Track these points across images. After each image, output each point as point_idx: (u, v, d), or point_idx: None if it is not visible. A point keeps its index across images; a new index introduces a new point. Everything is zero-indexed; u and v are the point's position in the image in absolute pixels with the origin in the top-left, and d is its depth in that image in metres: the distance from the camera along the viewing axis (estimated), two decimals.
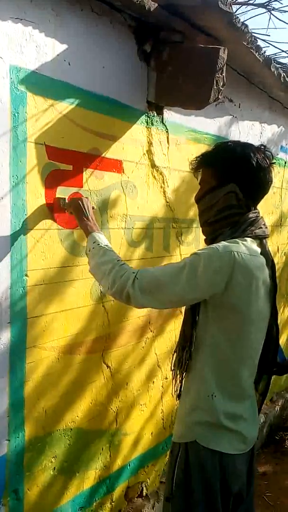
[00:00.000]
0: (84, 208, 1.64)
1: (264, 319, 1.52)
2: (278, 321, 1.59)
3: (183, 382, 1.57)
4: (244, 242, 1.41)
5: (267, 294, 1.50)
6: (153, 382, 2.43)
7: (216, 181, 1.48)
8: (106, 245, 1.54)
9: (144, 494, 2.43)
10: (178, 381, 1.57)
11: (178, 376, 1.57)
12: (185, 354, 1.51)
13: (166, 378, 2.50)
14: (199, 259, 1.36)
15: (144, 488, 2.44)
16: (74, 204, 1.67)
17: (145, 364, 2.35)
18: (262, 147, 1.51)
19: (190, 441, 1.47)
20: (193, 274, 1.35)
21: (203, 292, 1.38)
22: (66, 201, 1.72)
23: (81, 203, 1.65)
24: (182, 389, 1.57)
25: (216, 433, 1.45)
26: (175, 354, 1.57)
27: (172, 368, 1.58)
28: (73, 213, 1.67)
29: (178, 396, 1.59)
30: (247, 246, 1.41)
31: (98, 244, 1.53)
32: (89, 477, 2.06)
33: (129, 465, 2.32)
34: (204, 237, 1.58)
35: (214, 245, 1.38)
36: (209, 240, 1.54)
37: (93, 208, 1.70)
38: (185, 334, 1.52)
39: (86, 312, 1.93)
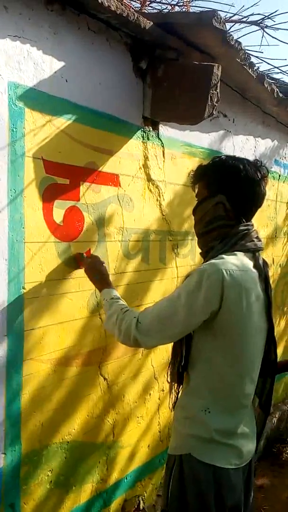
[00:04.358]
0: (96, 267, 1.77)
1: (261, 334, 1.52)
2: (275, 333, 1.60)
3: (179, 395, 1.58)
4: (233, 258, 1.42)
5: (262, 308, 1.50)
6: (150, 394, 2.43)
7: (207, 192, 1.51)
8: (112, 298, 1.61)
9: (141, 507, 2.41)
10: (174, 394, 1.59)
11: (174, 388, 1.59)
12: (177, 368, 1.53)
13: (163, 390, 2.50)
14: (190, 283, 1.39)
15: (141, 502, 2.42)
16: (87, 265, 1.80)
17: (141, 376, 2.35)
18: (256, 161, 1.53)
19: (185, 453, 1.47)
20: (189, 300, 1.38)
21: (201, 313, 1.39)
22: (84, 255, 1.85)
23: (92, 263, 1.79)
24: (177, 401, 1.58)
25: (210, 446, 1.45)
26: (169, 366, 1.59)
27: (168, 380, 1.59)
28: (86, 272, 1.80)
29: (174, 408, 1.60)
30: (236, 262, 1.42)
31: (106, 299, 1.62)
32: (86, 491, 2.05)
33: (126, 478, 2.31)
34: (200, 250, 1.60)
35: (202, 266, 1.41)
36: (203, 253, 1.56)
37: (103, 263, 1.82)
38: (175, 348, 1.55)
39: (82, 324, 1.94)
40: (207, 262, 1.42)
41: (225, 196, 1.47)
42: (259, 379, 1.58)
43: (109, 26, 1.87)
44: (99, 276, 1.75)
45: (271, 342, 1.57)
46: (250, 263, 1.46)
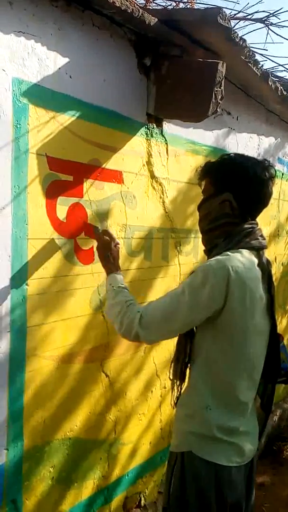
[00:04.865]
0: (109, 247, 1.70)
1: (263, 333, 1.52)
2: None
3: (181, 392, 1.58)
4: (238, 255, 1.42)
5: (265, 306, 1.50)
6: (152, 391, 2.43)
7: (214, 189, 1.51)
8: (119, 286, 1.57)
9: (142, 504, 2.42)
10: (176, 391, 1.59)
11: (176, 386, 1.59)
12: (180, 365, 1.53)
13: (165, 388, 2.50)
14: (196, 279, 1.38)
15: (142, 499, 2.43)
16: (101, 241, 1.73)
17: (143, 373, 2.35)
18: (265, 161, 1.52)
19: (186, 451, 1.47)
20: (193, 296, 1.37)
21: (206, 310, 1.39)
22: (100, 229, 1.79)
23: (106, 241, 1.71)
24: (179, 398, 1.58)
25: (211, 444, 1.45)
26: (172, 364, 1.58)
27: (170, 378, 1.59)
28: (98, 249, 1.73)
29: (176, 405, 1.60)
30: (241, 259, 1.41)
31: (112, 286, 1.58)
32: (87, 487, 2.05)
33: (127, 475, 2.31)
34: (203, 248, 1.59)
35: (208, 262, 1.41)
36: (207, 251, 1.56)
37: (118, 244, 1.75)
38: (180, 346, 1.55)
39: (85, 321, 1.94)
40: (213, 258, 1.41)
41: (232, 194, 1.46)
42: (260, 382, 1.57)
43: (113, 22, 1.86)
44: (110, 256, 1.69)
45: (273, 342, 1.57)
46: (254, 261, 1.46)
